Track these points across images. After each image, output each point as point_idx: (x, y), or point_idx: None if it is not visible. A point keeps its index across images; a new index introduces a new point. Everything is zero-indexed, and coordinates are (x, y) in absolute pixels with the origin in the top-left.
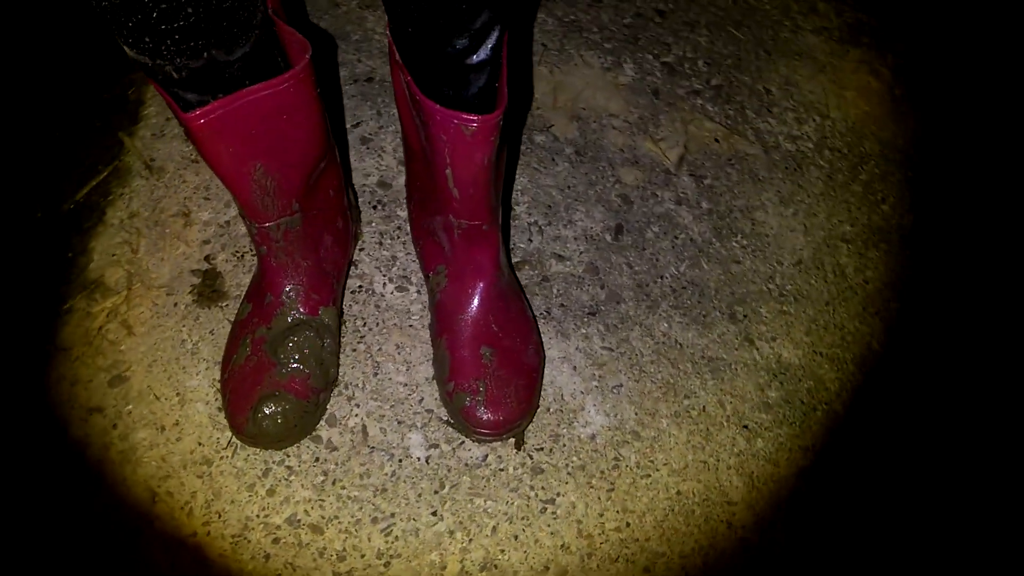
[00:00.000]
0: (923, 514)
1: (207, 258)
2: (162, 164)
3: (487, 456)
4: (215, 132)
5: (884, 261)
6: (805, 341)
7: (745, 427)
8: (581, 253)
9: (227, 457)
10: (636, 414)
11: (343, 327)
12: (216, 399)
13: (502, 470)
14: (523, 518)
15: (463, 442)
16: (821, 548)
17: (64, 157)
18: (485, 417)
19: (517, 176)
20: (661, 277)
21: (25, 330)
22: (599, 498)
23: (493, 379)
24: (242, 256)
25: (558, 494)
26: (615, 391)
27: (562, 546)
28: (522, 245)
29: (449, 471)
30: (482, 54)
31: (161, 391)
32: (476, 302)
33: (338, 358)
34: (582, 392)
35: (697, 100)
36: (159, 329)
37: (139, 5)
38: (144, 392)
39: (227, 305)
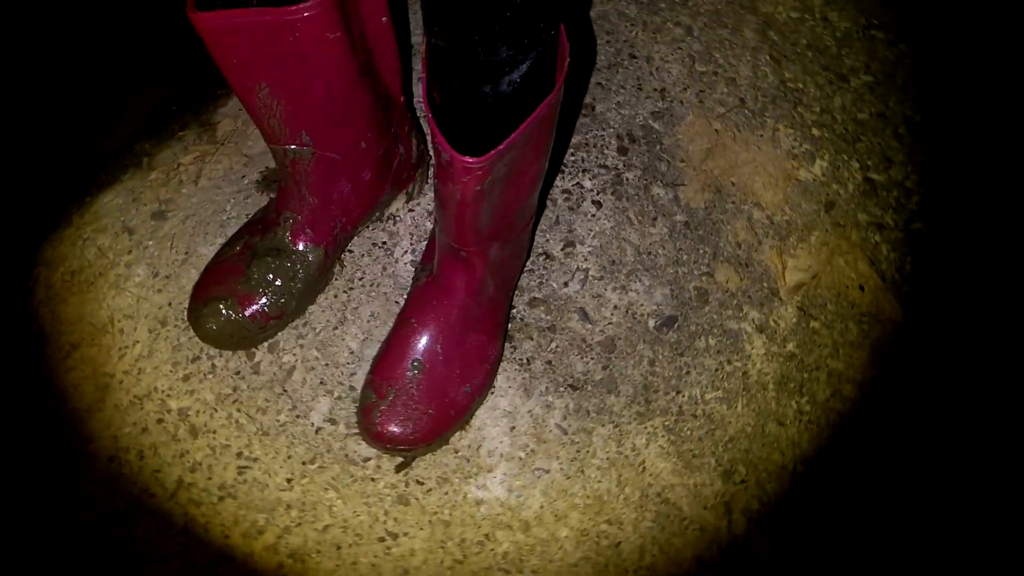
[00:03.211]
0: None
1: None
2: None
3: (370, 460)
4: (217, 39)
5: None
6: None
7: None
8: (610, 324)
9: (179, 327)
10: (541, 507)
11: (340, 270)
12: None
13: (372, 480)
14: (358, 536)
15: (359, 434)
16: None
17: None
18: (376, 425)
19: (601, 216)
20: (676, 392)
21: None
22: (441, 563)
23: (406, 395)
24: None
25: (405, 534)
26: (536, 473)
27: None
28: (554, 285)
29: (328, 452)
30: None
31: (177, 244)
32: (432, 316)
33: (314, 296)
34: (502, 456)
35: (875, 237)
36: (216, 191)
37: None
38: (167, 237)
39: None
